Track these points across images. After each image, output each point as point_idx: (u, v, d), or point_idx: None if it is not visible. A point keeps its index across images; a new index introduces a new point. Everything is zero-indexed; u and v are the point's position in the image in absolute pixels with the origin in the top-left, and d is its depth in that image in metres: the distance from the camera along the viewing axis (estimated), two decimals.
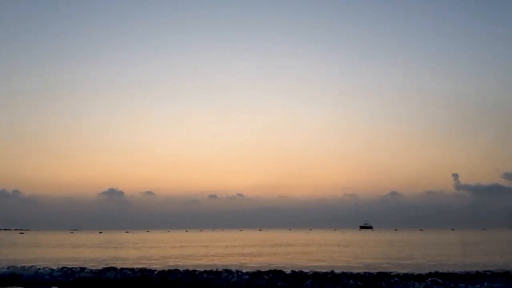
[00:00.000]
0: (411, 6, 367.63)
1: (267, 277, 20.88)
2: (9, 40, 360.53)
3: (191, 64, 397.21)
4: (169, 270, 22.97)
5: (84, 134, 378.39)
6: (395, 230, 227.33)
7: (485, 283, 18.47)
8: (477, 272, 21.91)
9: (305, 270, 22.51)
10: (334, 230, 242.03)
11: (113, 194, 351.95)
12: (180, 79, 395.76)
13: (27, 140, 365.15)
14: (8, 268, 25.54)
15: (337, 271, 22.34)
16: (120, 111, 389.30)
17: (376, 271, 22.97)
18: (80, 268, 24.85)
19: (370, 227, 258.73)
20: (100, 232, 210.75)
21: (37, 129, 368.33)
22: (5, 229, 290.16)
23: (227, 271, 22.12)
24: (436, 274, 20.97)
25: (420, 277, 20.33)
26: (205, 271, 22.44)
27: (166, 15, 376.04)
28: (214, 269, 22.86)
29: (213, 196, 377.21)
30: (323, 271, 22.28)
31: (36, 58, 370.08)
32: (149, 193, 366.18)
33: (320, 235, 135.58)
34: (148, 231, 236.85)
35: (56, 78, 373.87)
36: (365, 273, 21.96)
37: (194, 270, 22.90)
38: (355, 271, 22.90)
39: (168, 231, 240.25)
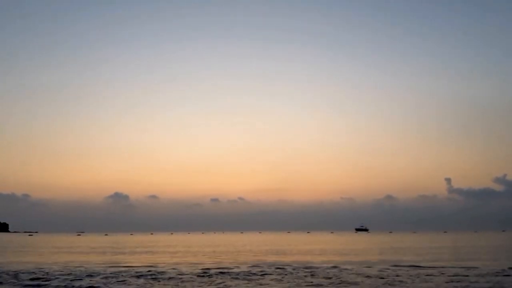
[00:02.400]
0: (407, 9, 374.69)
1: None
2: (15, 43, 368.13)
3: (194, 69, 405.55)
4: None
5: (91, 139, 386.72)
6: (390, 232, 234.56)
7: None
8: None
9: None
10: (331, 232, 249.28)
11: (118, 197, 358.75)
12: (183, 84, 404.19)
13: (36, 145, 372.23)
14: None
15: None
16: (125, 116, 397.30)
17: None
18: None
19: (365, 230, 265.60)
20: (106, 235, 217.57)
21: (45, 135, 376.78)
22: (15, 231, 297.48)
23: None
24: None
25: None
26: None
27: (170, 22, 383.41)
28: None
29: (215, 200, 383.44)
30: None
31: (42, 62, 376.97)
32: (153, 197, 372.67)
33: (317, 237, 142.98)
34: (152, 234, 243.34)
35: (63, 83, 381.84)
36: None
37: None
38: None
39: (172, 234, 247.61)
